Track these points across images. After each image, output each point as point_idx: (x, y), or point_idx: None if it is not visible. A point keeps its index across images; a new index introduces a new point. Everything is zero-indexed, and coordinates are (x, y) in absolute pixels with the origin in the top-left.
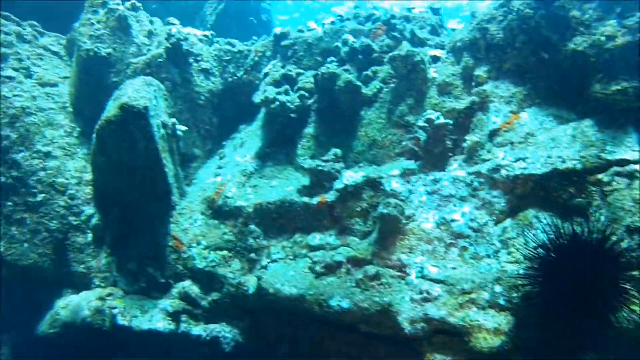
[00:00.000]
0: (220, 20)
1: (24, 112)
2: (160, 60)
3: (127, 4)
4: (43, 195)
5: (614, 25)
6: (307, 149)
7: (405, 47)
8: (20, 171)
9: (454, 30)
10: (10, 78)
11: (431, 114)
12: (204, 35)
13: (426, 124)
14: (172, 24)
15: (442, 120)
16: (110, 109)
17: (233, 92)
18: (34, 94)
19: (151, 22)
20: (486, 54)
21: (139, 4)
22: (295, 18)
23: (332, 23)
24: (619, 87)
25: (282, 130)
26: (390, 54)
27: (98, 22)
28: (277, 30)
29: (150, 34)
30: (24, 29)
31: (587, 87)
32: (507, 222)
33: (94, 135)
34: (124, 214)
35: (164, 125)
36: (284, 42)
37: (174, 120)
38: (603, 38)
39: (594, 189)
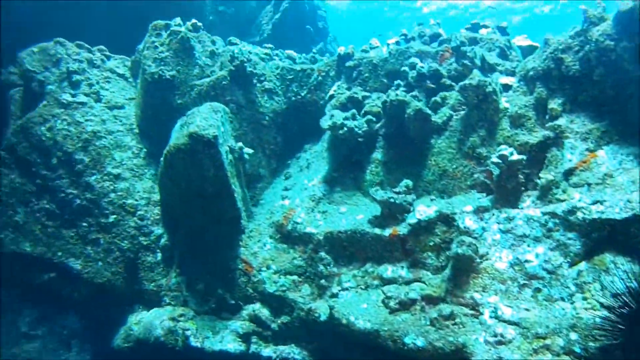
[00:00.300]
0: (277, 30)
1: (95, 136)
2: (224, 82)
3: (188, 24)
4: (115, 216)
5: None
6: (376, 174)
7: (476, 76)
8: (94, 193)
9: (521, 47)
10: (83, 104)
11: (505, 150)
12: (266, 54)
13: (500, 160)
14: (234, 43)
15: (516, 156)
16: (180, 137)
17: (297, 111)
18: (104, 118)
19: (213, 42)
20: (560, 85)
21: (199, 24)
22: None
23: (397, 43)
24: None
25: (349, 154)
26: (461, 83)
27: (161, 44)
28: (341, 50)
29: (212, 55)
30: (94, 54)
31: None
32: (583, 265)
33: (162, 159)
34: (192, 236)
35: (232, 150)
36: (349, 63)
37: (240, 144)
38: None
39: None
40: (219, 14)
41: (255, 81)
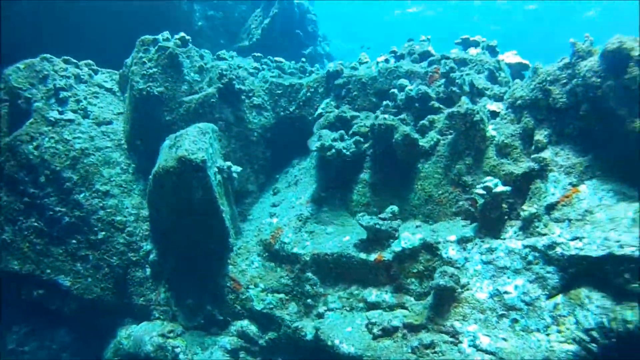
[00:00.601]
0: (266, 35)
1: (84, 153)
2: (213, 100)
3: (177, 38)
4: (103, 233)
5: None
6: (363, 195)
7: (464, 104)
8: (82, 211)
9: (510, 65)
10: (71, 121)
11: (490, 181)
12: (254, 68)
13: (484, 192)
14: (223, 58)
15: (500, 188)
16: (169, 160)
17: (285, 126)
18: (92, 134)
19: (201, 56)
20: (547, 116)
21: (187, 37)
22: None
23: (386, 61)
24: None
25: (337, 174)
26: (449, 110)
27: (149, 60)
28: (331, 66)
29: (201, 70)
30: (81, 70)
31: None
32: (560, 298)
33: (151, 178)
34: (181, 252)
35: (220, 170)
36: (338, 81)
37: (229, 163)
38: None
39: None
40: (208, 18)
41: (243, 97)
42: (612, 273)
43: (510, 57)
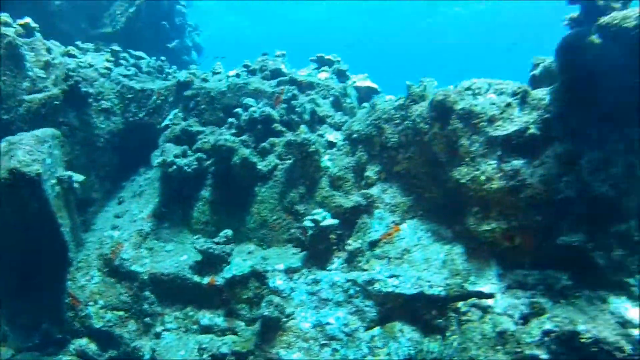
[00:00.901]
0: (130, 25)
1: None
2: (57, 102)
3: (19, 24)
4: None
5: (493, 166)
6: (202, 213)
7: (302, 133)
8: None
9: (358, 89)
10: None
11: (318, 215)
12: (106, 69)
13: (313, 224)
14: (73, 55)
15: (328, 222)
16: (1, 170)
17: (134, 132)
18: None
19: (48, 50)
20: (380, 153)
21: (34, 25)
22: None
23: (237, 75)
24: (487, 228)
25: (179, 189)
26: (287, 138)
27: None
28: (182, 76)
29: (47, 66)
30: None
31: (465, 214)
32: (377, 330)
33: None
34: (17, 268)
35: (60, 181)
36: (187, 93)
37: (70, 173)
38: (483, 178)
39: (453, 315)
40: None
41: (91, 100)
42: (423, 309)
43: (360, 80)
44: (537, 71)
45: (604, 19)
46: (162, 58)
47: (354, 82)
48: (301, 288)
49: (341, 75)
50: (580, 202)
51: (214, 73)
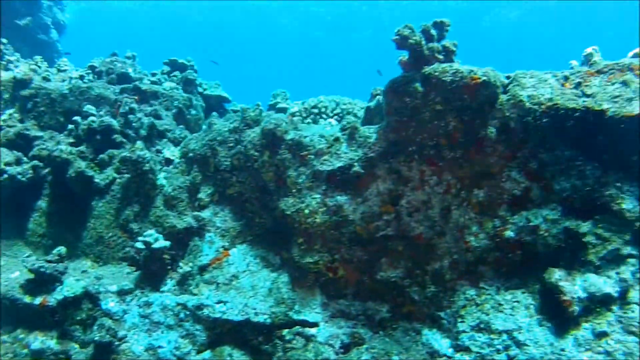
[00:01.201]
0: None
1: None
2: None
3: None
4: None
5: (318, 200)
6: (39, 225)
7: (137, 150)
8: None
9: (209, 97)
10: None
11: (150, 237)
12: None
13: (144, 246)
14: None
15: (159, 243)
16: None
17: None
18: None
19: None
20: (214, 174)
21: None
22: None
23: (81, 77)
24: (310, 260)
25: (13, 197)
26: (121, 155)
27: None
28: (20, 72)
29: None
30: None
31: (291, 244)
32: (207, 353)
33: None
34: None
35: None
36: (24, 92)
37: None
38: (307, 211)
39: (278, 342)
40: None
41: None
42: (250, 335)
43: (211, 89)
44: (372, 103)
45: (427, 69)
46: (3, 40)
47: (205, 89)
48: (133, 310)
49: (189, 84)
50: (399, 241)
51: (59, 70)
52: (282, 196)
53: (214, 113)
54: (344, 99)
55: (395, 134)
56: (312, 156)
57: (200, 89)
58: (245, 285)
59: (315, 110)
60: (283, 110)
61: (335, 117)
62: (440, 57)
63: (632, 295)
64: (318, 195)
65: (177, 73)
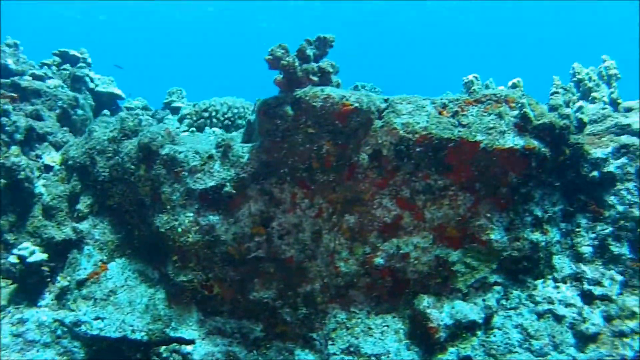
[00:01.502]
0: None
1: None
2: None
3: None
4: None
5: (191, 219)
6: None
7: (12, 156)
8: None
9: (100, 94)
10: None
11: (25, 250)
12: None
13: (17, 261)
14: None
15: (35, 257)
16: None
17: None
18: None
19: None
20: (94, 184)
21: None
22: None
23: None
24: (184, 279)
25: None
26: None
27: None
28: None
29: None
30: None
31: (166, 261)
32: None
33: None
34: None
35: None
36: None
37: None
38: (180, 230)
39: (156, 359)
40: None
41: None
42: (129, 352)
43: (103, 85)
44: (253, 117)
45: (298, 92)
46: None
47: (97, 86)
48: (5, 330)
49: (77, 81)
50: (271, 262)
51: None
52: (157, 212)
53: (106, 111)
54: (236, 102)
55: (267, 155)
56: (186, 173)
57: (92, 85)
58: (123, 301)
59: (206, 114)
60: (177, 110)
61: (227, 121)
62: (315, 78)
63: (495, 320)
64: (191, 214)
65: (68, 66)
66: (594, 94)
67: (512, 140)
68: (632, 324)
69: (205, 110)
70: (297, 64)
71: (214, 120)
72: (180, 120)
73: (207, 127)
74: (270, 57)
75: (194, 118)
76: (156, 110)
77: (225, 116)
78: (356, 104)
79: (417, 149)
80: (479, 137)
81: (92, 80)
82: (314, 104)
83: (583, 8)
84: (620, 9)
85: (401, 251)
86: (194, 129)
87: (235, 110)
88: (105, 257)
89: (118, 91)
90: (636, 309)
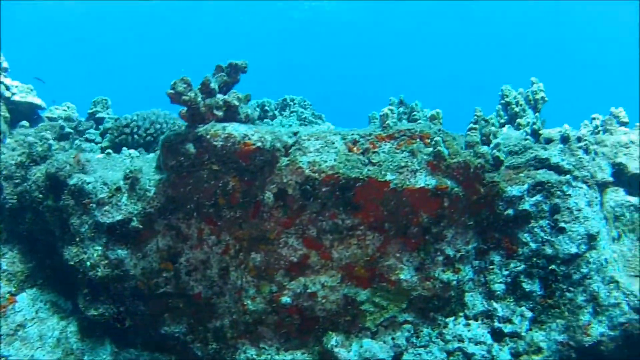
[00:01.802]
0: None
1: None
2: None
3: None
4: None
5: (99, 253)
6: None
7: None
8: None
9: (19, 104)
10: None
11: None
12: None
13: None
14: None
15: None
16: None
17: None
18: None
19: None
20: (1, 210)
21: None
22: None
23: None
24: (95, 313)
25: None
26: None
27: None
28: None
29: None
30: None
31: (78, 293)
32: None
33: None
34: None
35: None
36: None
37: None
38: (89, 264)
39: None
40: None
41: None
42: None
43: (21, 94)
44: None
45: (200, 130)
46: None
47: (14, 94)
48: None
49: None
50: (179, 298)
51: None
52: (66, 243)
53: (24, 122)
54: (160, 116)
55: (173, 190)
56: (94, 205)
57: (7, 93)
58: (32, 335)
59: (127, 130)
60: (101, 120)
61: (149, 137)
62: (219, 113)
63: (405, 358)
64: (99, 247)
65: None
66: (519, 120)
67: (424, 180)
68: (537, 359)
69: (127, 125)
70: (199, 99)
71: (136, 136)
72: (102, 135)
73: (124, 148)
74: (172, 91)
75: (115, 134)
76: (80, 122)
77: (148, 132)
78: (258, 144)
79: (324, 189)
80: (389, 177)
81: (7, 88)
82: (215, 143)
83: (583, 8)
84: (620, 9)
85: (308, 290)
86: (109, 151)
87: (158, 126)
88: (13, 289)
89: (38, 100)
90: (543, 344)
